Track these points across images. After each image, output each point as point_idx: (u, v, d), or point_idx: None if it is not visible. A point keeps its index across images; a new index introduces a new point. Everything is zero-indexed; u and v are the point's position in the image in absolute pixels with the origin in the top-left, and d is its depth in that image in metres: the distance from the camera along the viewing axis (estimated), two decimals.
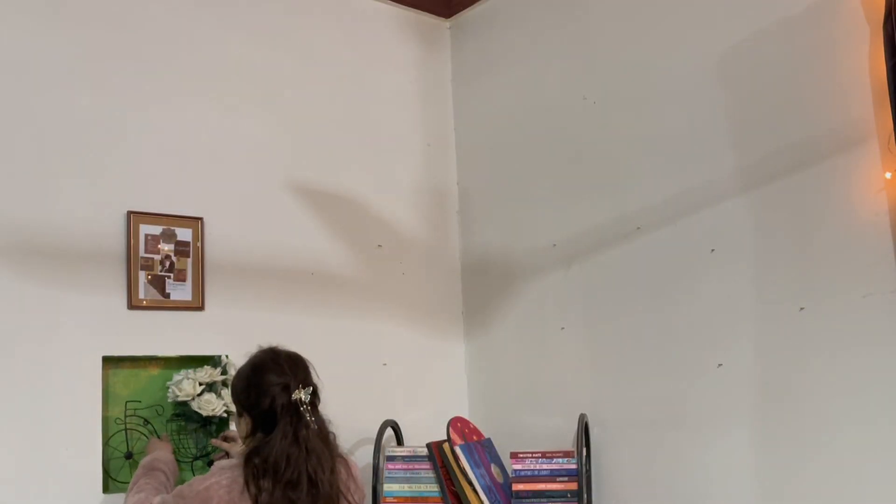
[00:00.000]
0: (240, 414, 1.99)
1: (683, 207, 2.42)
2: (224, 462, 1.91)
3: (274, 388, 1.89)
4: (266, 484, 1.80)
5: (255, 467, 1.82)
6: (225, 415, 2.42)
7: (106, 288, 2.33)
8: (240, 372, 2.03)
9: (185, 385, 2.35)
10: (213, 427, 2.45)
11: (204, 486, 1.82)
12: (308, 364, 2.00)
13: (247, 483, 1.80)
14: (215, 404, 2.38)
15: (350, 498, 1.96)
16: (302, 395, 1.89)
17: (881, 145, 1.99)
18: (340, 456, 1.98)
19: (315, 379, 1.98)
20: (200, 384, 2.38)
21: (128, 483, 2.26)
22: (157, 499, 1.88)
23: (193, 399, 2.36)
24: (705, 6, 2.39)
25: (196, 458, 2.46)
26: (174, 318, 2.45)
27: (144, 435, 2.38)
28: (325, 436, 1.92)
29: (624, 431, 2.56)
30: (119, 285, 2.36)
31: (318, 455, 1.86)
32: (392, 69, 3.11)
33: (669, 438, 2.43)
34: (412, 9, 3.18)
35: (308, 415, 1.87)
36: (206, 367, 2.42)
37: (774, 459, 2.18)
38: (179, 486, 1.90)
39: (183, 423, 2.43)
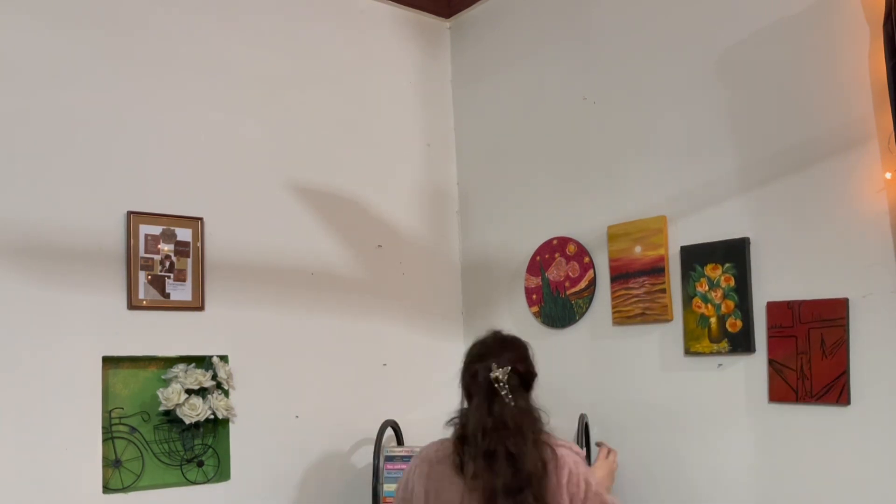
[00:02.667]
0: (461, 381, 2.03)
1: (683, 207, 2.42)
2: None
3: (475, 366, 1.95)
4: (470, 451, 1.87)
5: (460, 437, 1.92)
6: (211, 417, 2.43)
7: (106, 288, 2.34)
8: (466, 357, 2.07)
9: (171, 394, 2.37)
10: (201, 429, 2.48)
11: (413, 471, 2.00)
12: (521, 348, 2.01)
13: (455, 446, 1.92)
14: (200, 409, 2.39)
15: (560, 482, 1.86)
16: (499, 373, 1.89)
17: (881, 145, 1.99)
18: (548, 444, 1.89)
19: (524, 363, 1.97)
20: (186, 391, 2.39)
21: (120, 490, 2.28)
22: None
23: (178, 407, 2.38)
24: (705, 6, 2.39)
25: (186, 461, 2.47)
26: (174, 318, 2.45)
27: (132, 442, 2.38)
28: (526, 412, 1.89)
29: (624, 431, 2.56)
30: (119, 285, 2.36)
31: (516, 428, 1.84)
32: (392, 69, 3.11)
33: (669, 438, 2.43)
34: (412, 9, 3.18)
35: (506, 392, 1.87)
36: (197, 371, 2.43)
37: (774, 459, 2.18)
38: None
39: (168, 428, 2.45)
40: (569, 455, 1.92)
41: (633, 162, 2.57)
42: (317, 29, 2.91)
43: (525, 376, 1.95)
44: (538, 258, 2.84)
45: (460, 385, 2.01)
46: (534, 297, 2.85)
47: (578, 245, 2.71)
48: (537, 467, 1.83)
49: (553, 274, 2.78)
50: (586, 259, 2.68)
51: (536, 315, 2.84)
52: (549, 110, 2.87)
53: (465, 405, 1.97)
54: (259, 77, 2.73)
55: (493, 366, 1.91)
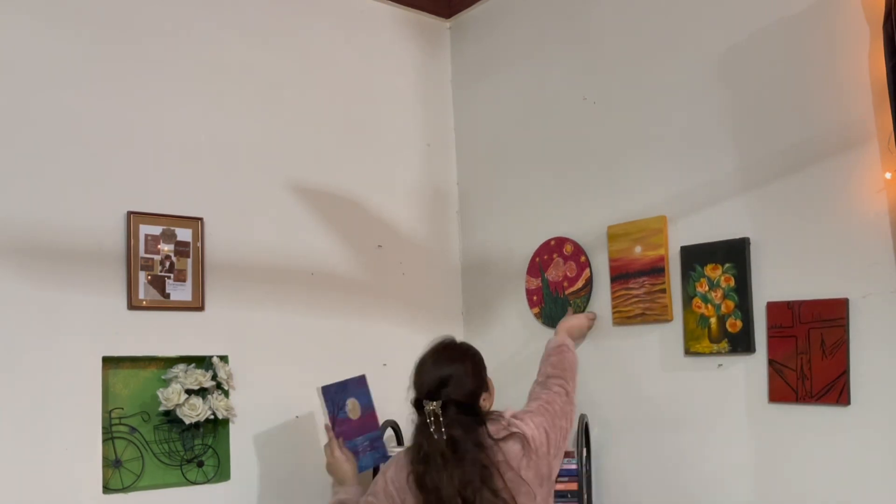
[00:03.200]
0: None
1: (683, 207, 2.42)
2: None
3: (416, 385, 2.09)
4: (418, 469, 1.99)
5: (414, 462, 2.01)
6: (211, 417, 2.43)
7: (106, 288, 2.33)
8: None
9: (171, 395, 2.37)
10: (201, 430, 2.48)
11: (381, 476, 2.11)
12: (461, 373, 2.06)
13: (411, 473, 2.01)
14: (200, 409, 2.39)
15: (526, 480, 1.98)
16: (431, 406, 2.00)
17: (881, 145, 1.99)
18: (511, 433, 2.00)
19: (462, 388, 2.03)
20: (186, 391, 2.39)
21: (120, 490, 2.28)
22: None
23: (178, 408, 2.38)
24: (705, 6, 2.39)
25: (186, 461, 2.47)
26: (174, 318, 2.45)
27: (132, 442, 2.38)
28: (461, 444, 1.95)
29: (624, 431, 2.56)
30: (119, 285, 2.36)
31: (444, 465, 1.92)
32: (392, 69, 3.11)
33: (669, 438, 2.43)
34: (412, 9, 3.18)
35: (436, 429, 1.96)
36: (197, 372, 2.43)
37: (774, 459, 2.18)
38: None
39: (169, 428, 2.45)
40: (526, 426, 2.02)
41: (633, 162, 2.57)
42: (317, 29, 2.91)
43: (464, 403, 2.00)
44: (537, 259, 2.84)
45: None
46: (534, 298, 2.85)
47: (575, 244, 2.71)
48: (465, 495, 1.89)
49: (552, 274, 2.79)
50: (583, 258, 2.69)
51: (537, 316, 2.85)
52: (549, 110, 2.87)
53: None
54: (259, 77, 2.73)
55: (426, 401, 2.00)
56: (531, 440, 2.01)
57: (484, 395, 2.10)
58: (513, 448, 1.99)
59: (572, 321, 2.59)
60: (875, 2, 2.00)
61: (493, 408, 2.13)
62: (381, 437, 2.51)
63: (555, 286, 2.78)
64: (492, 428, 2.00)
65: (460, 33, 3.27)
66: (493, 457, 1.95)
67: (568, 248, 2.73)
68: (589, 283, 2.67)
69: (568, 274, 2.73)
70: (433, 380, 2.02)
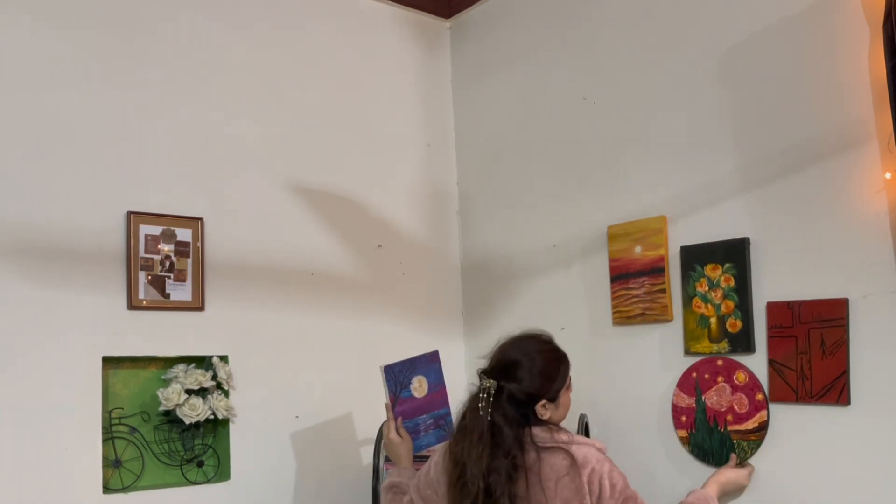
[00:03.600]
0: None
1: (683, 207, 2.42)
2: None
3: (488, 362, 2.02)
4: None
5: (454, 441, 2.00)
6: (211, 417, 2.43)
7: (106, 288, 2.34)
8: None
9: (171, 395, 2.37)
10: (201, 429, 2.48)
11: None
12: (531, 366, 1.97)
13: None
14: (200, 409, 2.39)
15: (551, 498, 1.88)
16: (487, 382, 1.94)
17: (881, 145, 1.99)
18: (558, 447, 1.91)
19: (520, 383, 1.94)
20: (186, 391, 2.39)
21: (120, 490, 2.30)
22: None
23: (178, 408, 2.39)
24: (705, 6, 2.39)
25: (186, 461, 2.47)
26: (174, 318, 2.45)
27: (132, 442, 2.38)
28: (497, 430, 1.90)
29: (624, 431, 2.56)
30: (119, 285, 2.36)
31: (477, 443, 1.88)
32: (392, 69, 3.11)
33: (670, 439, 2.43)
34: (412, 9, 3.18)
35: (485, 406, 1.91)
36: (197, 372, 2.43)
37: (774, 459, 2.18)
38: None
39: (169, 428, 2.45)
40: (591, 453, 1.90)
41: (633, 162, 2.57)
42: (317, 29, 2.91)
43: (517, 397, 1.93)
44: (694, 374, 2.37)
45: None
46: (683, 419, 2.41)
47: (750, 375, 2.23)
48: (484, 483, 1.83)
49: (712, 400, 2.30)
50: (759, 396, 2.22)
51: (684, 441, 2.42)
52: (549, 110, 2.87)
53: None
54: (259, 77, 2.73)
55: (484, 376, 1.95)
56: (582, 464, 1.87)
57: (544, 403, 1.95)
58: (554, 461, 1.89)
59: (730, 475, 2.18)
60: (875, 2, 2.00)
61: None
62: (447, 414, 2.42)
63: (714, 415, 2.31)
64: (539, 434, 1.92)
65: (460, 33, 3.27)
66: (527, 460, 1.88)
67: (740, 377, 2.25)
68: (764, 427, 2.19)
69: (736, 408, 2.25)
70: (503, 361, 1.97)
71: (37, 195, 2.25)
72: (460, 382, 3.13)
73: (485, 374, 1.97)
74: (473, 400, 1.95)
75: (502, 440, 1.87)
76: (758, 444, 2.20)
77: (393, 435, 2.26)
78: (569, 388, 2.05)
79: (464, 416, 1.96)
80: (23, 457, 2.15)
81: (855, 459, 2.02)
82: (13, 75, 2.25)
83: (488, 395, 1.91)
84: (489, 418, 1.89)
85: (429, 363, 2.42)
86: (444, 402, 2.42)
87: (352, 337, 2.84)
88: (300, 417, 2.67)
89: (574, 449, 1.90)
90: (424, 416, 2.38)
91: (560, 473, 1.88)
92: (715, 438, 2.29)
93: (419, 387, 2.38)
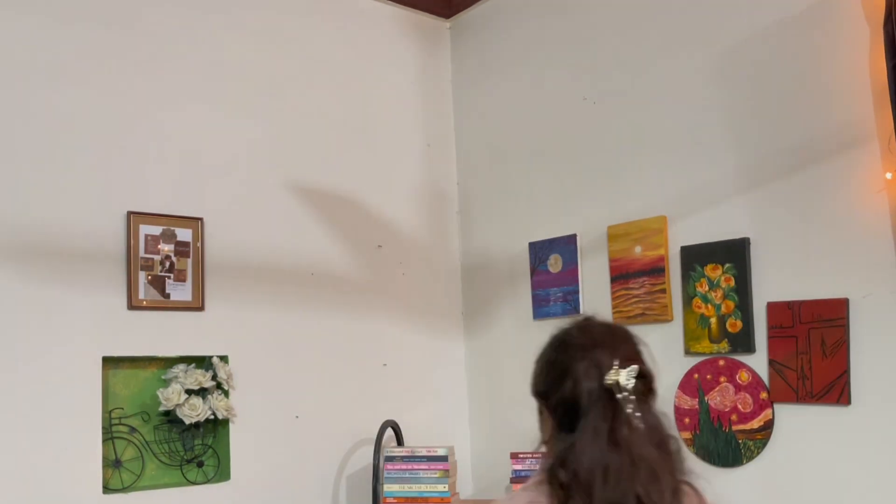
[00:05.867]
0: (539, 410, 1.43)
1: (683, 207, 2.42)
2: (530, 480, 1.37)
3: (578, 368, 1.30)
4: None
5: (562, 486, 1.24)
6: (211, 417, 2.43)
7: (106, 288, 2.33)
8: (541, 351, 1.45)
9: (171, 395, 2.37)
10: (201, 430, 2.48)
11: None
12: (634, 339, 1.41)
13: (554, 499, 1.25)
14: (200, 409, 2.39)
15: None
16: (621, 376, 1.27)
17: (881, 145, 1.99)
18: (685, 480, 1.34)
19: (647, 360, 1.39)
20: (186, 391, 2.39)
21: (120, 491, 2.29)
22: None
23: (178, 408, 2.39)
24: (705, 6, 2.39)
25: (186, 461, 2.47)
26: (174, 318, 2.45)
27: (132, 442, 2.38)
28: (661, 440, 1.30)
29: None
30: (119, 285, 2.36)
31: (650, 467, 1.24)
32: (392, 69, 3.11)
33: None
34: (412, 9, 3.18)
35: (631, 406, 1.26)
36: (197, 372, 2.43)
37: (774, 459, 2.18)
38: None
39: (169, 428, 2.45)
40: (705, 498, 1.39)
41: (633, 162, 2.57)
42: (317, 29, 2.91)
43: (650, 382, 1.37)
44: (696, 375, 2.36)
45: (541, 400, 1.40)
46: (686, 420, 2.39)
47: (753, 374, 2.21)
48: None
49: (716, 401, 2.31)
50: (763, 395, 2.21)
51: (688, 443, 2.39)
52: (549, 110, 2.87)
53: (558, 431, 1.33)
54: (259, 77, 2.73)
55: (613, 363, 1.29)
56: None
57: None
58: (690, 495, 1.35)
59: None
60: (875, 2, 2.00)
61: None
62: (576, 291, 2.69)
63: (718, 416, 2.29)
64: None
65: (460, 33, 3.27)
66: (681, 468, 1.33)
67: (743, 377, 2.24)
68: (769, 426, 2.19)
69: (740, 408, 2.24)
70: (611, 340, 1.36)
71: (37, 195, 2.25)
72: (460, 383, 3.13)
73: (584, 360, 1.31)
74: (606, 405, 1.27)
75: (669, 461, 1.31)
76: (764, 442, 2.19)
77: None
78: None
79: (612, 435, 1.25)
80: (23, 457, 2.15)
81: (855, 459, 2.02)
82: (14, 75, 2.25)
83: (632, 388, 1.29)
84: (642, 427, 1.28)
85: (566, 244, 2.72)
86: (574, 280, 2.69)
87: (352, 337, 2.83)
88: (300, 417, 2.67)
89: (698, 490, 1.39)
90: (555, 288, 2.73)
91: None
92: (720, 439, 2.29)
93: (555, 263, 2.66)
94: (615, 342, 1.35)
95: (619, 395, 1.26)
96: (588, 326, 1.39)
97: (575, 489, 1.22)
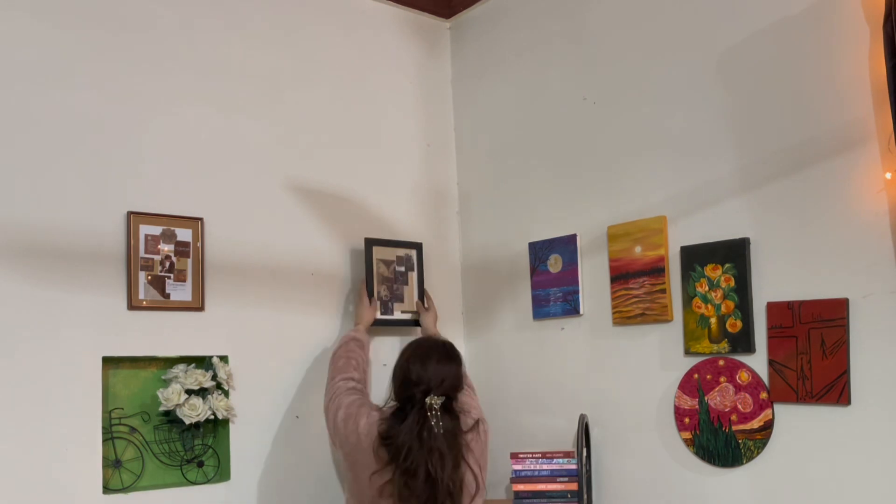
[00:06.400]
0: (394, 376, 2.29)
1: (683, 207, 2.42)
2: (386, 408, 2.29)
3: (415, 375, 2.21)
4: (390, 462, 2.15)
5: (387, 444, 2.16)
6: (211, 417, 2.43)
7: (106, 288, 2.33)
8: (408, 351, 2.31)
9: (171, 395, 2.37)
10: (201, 430, 2.48)
11: (362, 413, 2.29)
12: (458, 365, 2.28)
13: (379, 446, 2.18)
14: (200, 409, 2.39)
15: (478, 476, 2.25)
16: (434, 401, 2.16)
17: (881, 145, 1.99)
18: (469, 462, 2.23)
19: (456, 388, 2.25)
20: (186, 391, 2.39)
21: (120, 491, 2.30)
22: (340, 382, 2.45)
23: (178, 408, 2.38)
24: (705, 6, 2.39)
25: (186, 462, 2.47)
26: (174, 318, 2.45)
27: (132, 442, 2.38)
28: (453, 437, 2.17)
29: (624, 431, 2.56)
30: (119, 286, 2.36)
31: (439, 452, 2.12)
32: (392, 69, 3.11)
33: (670, 438, 2.43)
34: (412, 9, 3.18)
35: (435, 419, 2.14)
36: (197, 372, 2.43)
37: (774, 459, 2.18)
38: (346, 393, 2.41)
39: (169, 428, 2.45)
40: (483, 422, 2.33)
41: (633, 162, 2.57)
42: (317, 29, 2.91)
43: (455, 400, 2.25)
44: (695, 375, 2.37)
45: (393, 380, 2.29)
46: (686, 420, 2.40)
47: (753, 374, 2.22)
48: (453, 488, 2.13)
49: (715, 401, 2.31)
50: (763, 395, 2.21)
51: (688, 443, 2.40)
52: (549, 110, 2.87)
53: (396, 401, 2.26)
54: (259, 77, 2.73)
55: (431, 395, 2.17)
56: (481, 422, 2.31)
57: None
58: (474, 436, 2.26)
59: (432, 319, 2.91)
60: (875, 2, 2.00)
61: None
62: (576, 291, 2.70)
63: (718, 416, 2.30)
64: (464, 421, 2.25)
65: (460, 33, 3.27)
66: (465, 450, 2.21)
67: (743, 377, 2.25)
68: (769, 426, 2.19)
69: (740, 408, 2.25)
70: (438, 370, 2.21)
71: (37, 195, 2.25)
72: None
73: (418, 386, 2.20)
74: (420, 413, 2.17)
75: (453, 444, 2.20)
76: (764, 442, 2.20)
77: (365, 299, 2.75)
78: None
79: (420, 432, 2.15)
80: (23, 457, 2.15)
81: (855, 459, 2.02)
82: (14, 75, 2.25)
83: (436, 412, 2.17)
84: (441, 432, 2.15)
85: (565, 244, 2.73)
86: (574, 280, 2.71)
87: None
88: (300, 417, 2.67)
89: (475, 414, 2.37)
90: (555, 288, 2.74)
91: (474, 439, 2.29)
92: (720, 439, 2.29)
93: (555, 263, 2.67)
94: (440, 378, 2.20)
95: (429, 413, 2.15)
96: (428, 354, 2.25)
97: (392, 442, 2.15)
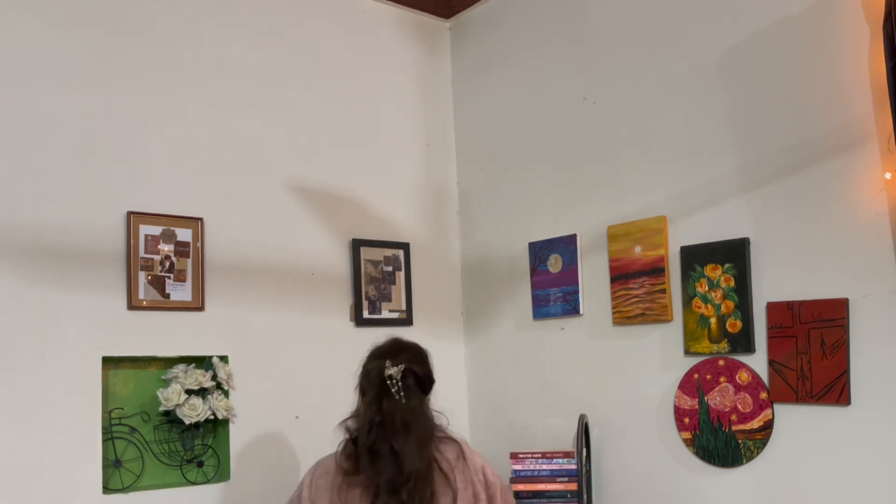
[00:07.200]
0: (358, 383, 2.06)
1: (683, 207, 2.42)
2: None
3: (370, 366, 2.00)
4: (358, 448, 1.93)
5: (350, 436, 1.97)
6: (211, 417, 2.43)
7: (106, 288, 2.33)
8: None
9: (171, 395, 2.37)
10: (201, 430, 2.48)
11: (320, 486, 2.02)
12: (419, 352, 2.05)
13: (347, 447, 1.98)
14: (200, 409, 2.39)
15: (454, 481, 1.94)
16: (392, 370, 1.93)
17: (881, 145, 1.99)
18: (449, 437, 2.00)
19: (421, 366, 2.01)
20: (186, 391, 2.39)
21: (120, 491, 2.30)
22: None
23: (178, 408, 2.38)
24: (705, 6, 2.39)
25: (186, 462, 2.47)
26: (174, 318, 2.45)
27: (132, 442, 2.38)
28: (415, 414, 1.92)
29: (624, 431, 2.56)
30: (119, 286, 2.36)
31: (403, 424, 1.88)
32: (392, 69, 3.11)
33: (670, 439, 2.43)
34: (412, 9, 3.18)
35: (395, 388, 1.92)
36: (197, 372, 2.43)
37: (774, 459, 2.18)
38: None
39: (169, 428, 2.45)
40: (475, 455, 2.02)
41: (633, 162, 2.57)
42: (317, 29, 2.91)
43: (422, 379, 1.99)
44: (695, 375, 2.36)
45: (356, 387, 2.04)
46: (686, 420, 2.39)
47: (753, 374, 2.21)
48: (420, 466, 1.87)
49: (715, 401, 2.31)
50: (763, 395, 2.21)
51: (688, 443, 2.40)
52: (549, 110, 2.87)
53: (359, 406, 2.01)
54: (259, 77, 2.73)
55: (388, 363, 1.95)
56: (468, 455, 2.00)
57: (432, 390, 2.05)
58: (448, 449, 1.99)
59: None
60: (875, 2, 2.00)
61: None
62: (576, 291, 2.70)
63: (718, 416, 2.30)
64: (453, 445, 2.01)
65: (460, 33, 3.27)
66: (434, 451, 1.96)
67: (743, 377, 2.24)
68: (769, 426, 2.19)
69: (740, 408, 2.24)
70: (396, 351, 2.01)
71: (37, 195, 2.25)
72: (460, 383, 3.13)
73: (375, 362, 1.99)
74: (380, 388, 1.93)
75: (418, 423, 1.92)
76: (764, 442, 2.19)
77: None
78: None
79: (380, 405, 1.92)
80: (23, 457, 2.15)
81: (855, 459, 2.02)
82: (14, 75, 2.25)
83: (399, 378, 1.94)
84: (404, 400, 1.92)
85: (565, 244, 2.73)
86: (574, 280, 2.70)
87: (352, 337, 2.83)
88: (300, 417, 2.67)
89: (460, 441, 2.03)
90: (555, 288, 2.74)
91: (454, 460, 1.98)
92: (720, 439, 2.29)
93: (555, 263, 2.66)
94: (397, 352, 2.00)
95: (388, 382, 1.92)
96: (385, 344, 2.05)
97: (356, 439, 1.95)
